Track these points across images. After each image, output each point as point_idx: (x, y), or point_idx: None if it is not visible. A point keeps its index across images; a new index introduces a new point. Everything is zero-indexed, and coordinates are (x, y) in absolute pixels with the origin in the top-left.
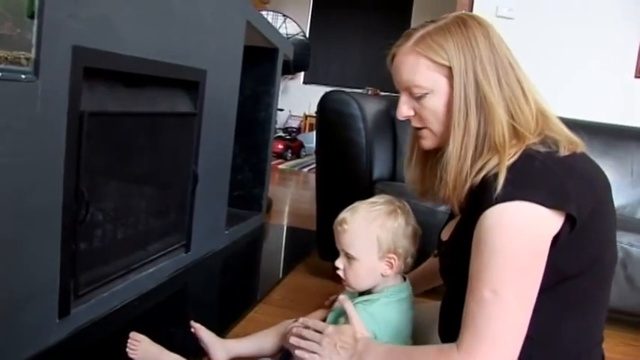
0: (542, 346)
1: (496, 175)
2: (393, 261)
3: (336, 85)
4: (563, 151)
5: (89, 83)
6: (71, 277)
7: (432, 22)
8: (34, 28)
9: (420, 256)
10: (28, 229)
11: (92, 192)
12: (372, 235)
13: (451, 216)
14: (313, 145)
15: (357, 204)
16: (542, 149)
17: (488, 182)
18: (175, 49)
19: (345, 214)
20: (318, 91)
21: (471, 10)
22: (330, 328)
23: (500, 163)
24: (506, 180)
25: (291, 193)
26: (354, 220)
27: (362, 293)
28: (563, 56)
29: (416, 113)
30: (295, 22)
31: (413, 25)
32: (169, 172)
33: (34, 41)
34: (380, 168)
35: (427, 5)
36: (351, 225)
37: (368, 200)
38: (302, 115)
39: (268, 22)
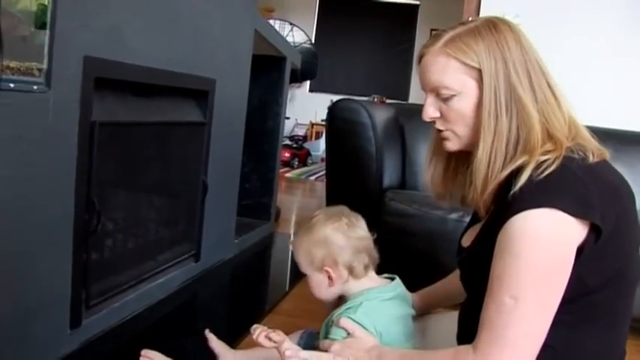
0: (565, 358)
1: (526, 178)
2: (330, 273)
3: (342, 93)
4: (592, 159)
5: (99, 93)
6: (82, 287)
7: (462, 24)
8: (46, 39)
9: (430, 263)
10: (39, 239)
11: (103, 202)
12: (306, 251)
13: (472, 222)
14: (320, 153)
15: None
16: (575, 156)
17: (515, 186)
18: (185, 59)
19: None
20: (325, 99)
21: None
22: (336, 346)
23: (528, 166)
24: (534, 187)
25: (297, 202)
26: (296, 238)
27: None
28: (571, 63)
29: (442, 115)
30: (302, 30)
31: (418, 33)
32: (179, 182)
33: (46, 52)
34: (390, 176)
35: (433, 13)
36: (294, 243)
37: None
38: (308, 123)
39: (276, 31)
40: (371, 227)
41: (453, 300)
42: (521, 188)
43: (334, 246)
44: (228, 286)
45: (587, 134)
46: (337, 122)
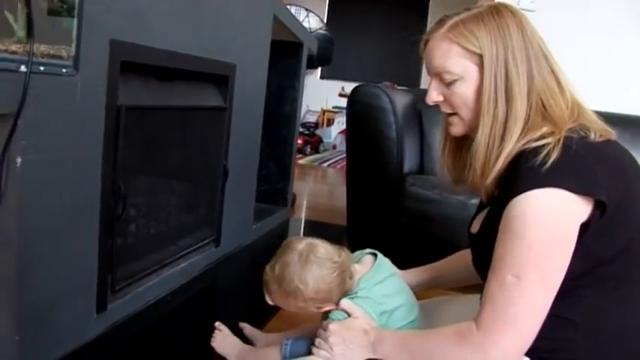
0: (587, 331)
1: (527, 161)
2: (317, 304)
3: (353, 80)
4: (596, 138)
5: (124, 77)
6: (108, 272)
7: (467, 10)
8: (74, 22)
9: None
10: (67, 224)
11: (127, 187)
12: (299, 306)
13: (479, 208)
14: (331, 140)
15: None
16: (575, 136)
17: (517, 169)
18: (206, 43)
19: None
20: (335, 86)
21: None
22: (333, 325)
23: (528, 150)
24: (536, 168)
25: (310, 188)
26: (278, 298)
27: None
28: (588, 47)
29: (445, 99)
30: (318, 16)
31: (430, 20)
32: (200, 167)
33: (74, 35)
34: (409, 161)
35: (445, 1)
36: (276, 301)
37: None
38: (319, 110)
39: (293, 16)
40: (392, 212)
41: (455, 279)
42: (523, 170)
43: (323, 291)
44: (249, 271)
45: (592, 116)
46: (358, 107)
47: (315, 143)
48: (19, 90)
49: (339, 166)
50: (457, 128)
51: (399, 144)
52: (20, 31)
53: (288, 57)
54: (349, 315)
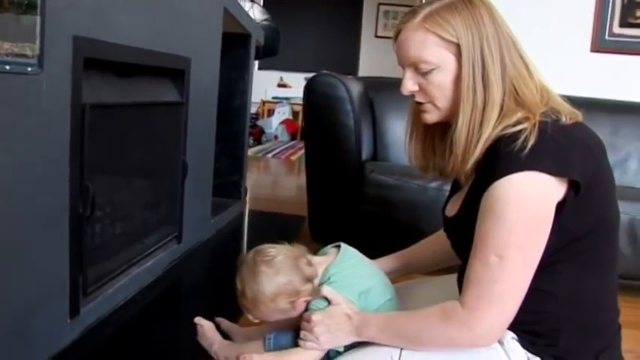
0: (567, 303)
1: (506, 146)
2: (305, 301)
3: (292, 70)
4: (566, 120)
5: (86, 74)
6: (80, 275)
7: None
8: (38, 19)
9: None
10: (37, 228)
11: (94, 187)
12: (271, 312)
13: (452, 192)
14: (273, 130)
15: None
16: (549, 120)
17: (496, 154)
18: (162, 37)
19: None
20: (274, 77)
21: None
22: (316, 315)
23: (505, 135)
24: (515, 153)
25: (253, 179)
26: (251, 310)
27: None
28: (516, 33)
29: (421, 89)
30: (262, 7)
31: (365, 9)
32: (161, 163)
33: (37, 32)
34: (365, 149)
35: None
36: (252, 313)
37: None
38: (259, 101)
39: (241, 7)
40: (353, 200)
41: (425, 265)
42: (502, 155)
43: (282, 284)
44: (212, 266)
45: (559, 99)
46: (315, 97)
47: (257, 134)
48: None
49: (283, 157)
50: (432, 116)
51: (357, 132)
52: None
53: (236, 49)
54: (329, 302)
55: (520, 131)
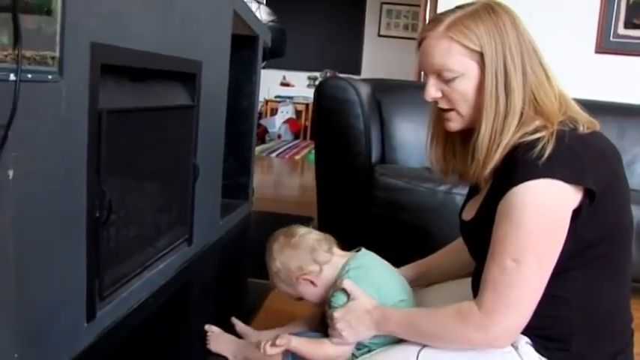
0: (581, 309)
1: (524, 153)
2: (307, 278)
3: (295, 70)
4: (583, 130)
5: (102, 80)
6: (96, 279)
7: (460, 7)
8: (57, 26)
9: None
10: (56, 234)
11: (110, 191)
12: (280, 281)
13: (469, 196)
14: (276, 129)
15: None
16: (566, 129)
17: (514, 161)
18: (175, 42)
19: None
20: (277, 76)
21: None
22: (337, 312)
23: (524, 142)
24: (533, 160)
25: (264, 180)
26: (270, 278)
27: None
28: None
29: (444, 95)
30: (269, 8)
31: (368, 8)
32: (173, 166)
33: (57, 39)
34: (374, 151)
35: None
36: (272, 283)
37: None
38: (262, 100)
39: (249, 9)
40: (363, 203)
41: (443, 273)
42: (520, 162)
43: (298, 260)
44: (222, 268)
45: (577, 108)
46: (325, 100)
47: (260, 134)
48: (8, 100)
49: (287, 156)
50: (455, 124)
51: (367, 135)
52: (3, 37)
53: (243, 51)
54: (349, 297)
55: (538, 139)
